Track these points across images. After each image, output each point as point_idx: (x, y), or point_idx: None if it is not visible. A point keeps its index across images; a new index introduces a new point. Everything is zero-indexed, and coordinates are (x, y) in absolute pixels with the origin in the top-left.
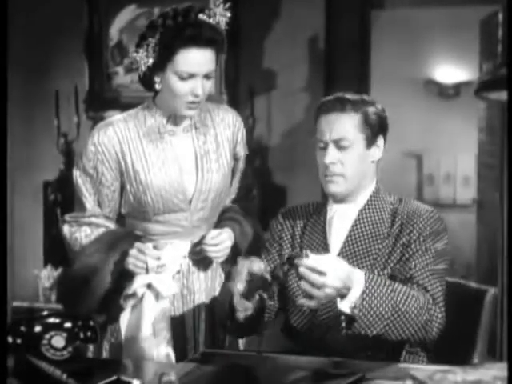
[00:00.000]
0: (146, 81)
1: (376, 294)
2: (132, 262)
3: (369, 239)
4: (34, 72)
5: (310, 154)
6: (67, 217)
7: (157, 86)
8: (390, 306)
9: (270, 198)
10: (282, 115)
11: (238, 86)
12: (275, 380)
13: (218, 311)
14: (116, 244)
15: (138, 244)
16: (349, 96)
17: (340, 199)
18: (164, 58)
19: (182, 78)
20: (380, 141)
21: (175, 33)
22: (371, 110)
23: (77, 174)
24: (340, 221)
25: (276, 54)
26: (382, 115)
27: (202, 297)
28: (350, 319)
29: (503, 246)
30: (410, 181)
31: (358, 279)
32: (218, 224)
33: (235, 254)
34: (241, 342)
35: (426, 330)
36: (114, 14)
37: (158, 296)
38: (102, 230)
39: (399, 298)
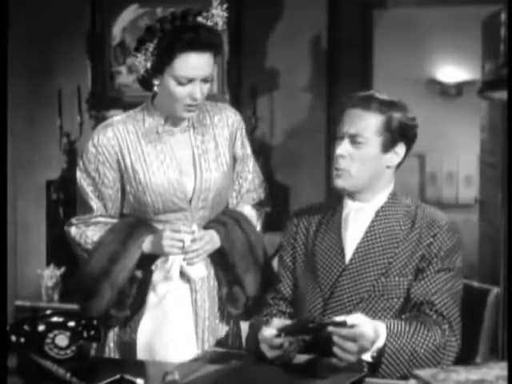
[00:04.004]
0: (145, 83)
1: (397, 345)
2: (168, 244)
3: (385, 241)
4: (37, 72)
5: (312, 153)
6: (74, 220)
7: (155, 89)
8: (409, 353)
9: (273, 198)
10: (284, 115)
11: (241, 85)
12: (278, 379)
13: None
14: (133, 230)
15: (169, 226)
16: (380, 96)
17: (350, 196)
18: (162, 63)
19: (181, 83)
20: (400, 148)
21: (173, 37)
22: (397, 115)
23: (80, 176)
24: (356, 219)
25: (278, 54)
26: (408, 123)
27: (204, 296)
28: (372, 365)
29: (506, 245)
30: (413, 180)
31: (381, 332)
32: (206, 225)
33: (221, 257)
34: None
35: (443, 363)
36: (117, 14)
37: (187, 280)
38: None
39: (417, 342)
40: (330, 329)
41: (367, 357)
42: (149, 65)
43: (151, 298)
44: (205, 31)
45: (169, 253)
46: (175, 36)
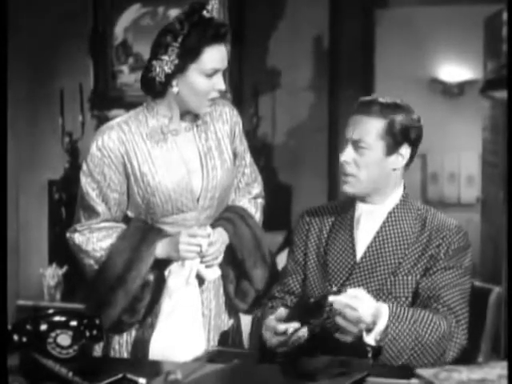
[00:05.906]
0: (161, 87)
1: (400, 327)
2: (185, 249)
3: (396, 242)
4: (39, 71)
5: (314, 152)
6: (78, 226)
7: (174, 90)
8: (413, 337)
9: (275, 197)
10: (286, 114)
11: (243, 84)
12: (278, 379)
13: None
14: (145, 236)
15: (185, 230)
16: (382, 100)
17: (360, 199)
18: (188, 60)
19: (208, 75)
20: (404, 150)
21: (198, 34)
22: (399, 118)
23: (84, 180)
24: (368, 220)
25: (280, 53)
26: (411, 125)
27: (210, 295)
28: (376, 350)
29: (508, 244)
30: (414, 180)
31: (383, 313)
32: (213, 223)
33: (229, 254)
34: (246, 341)
35: (448, 354)
36: (119, 13)
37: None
38: (115, 235)
39: (422, 327)
40: (331, 298)
41: (371, 340)
42: (170, 66)
43: (166, 304)
44: (221, 24)
45: (185, 258)
46: (199, 32)
